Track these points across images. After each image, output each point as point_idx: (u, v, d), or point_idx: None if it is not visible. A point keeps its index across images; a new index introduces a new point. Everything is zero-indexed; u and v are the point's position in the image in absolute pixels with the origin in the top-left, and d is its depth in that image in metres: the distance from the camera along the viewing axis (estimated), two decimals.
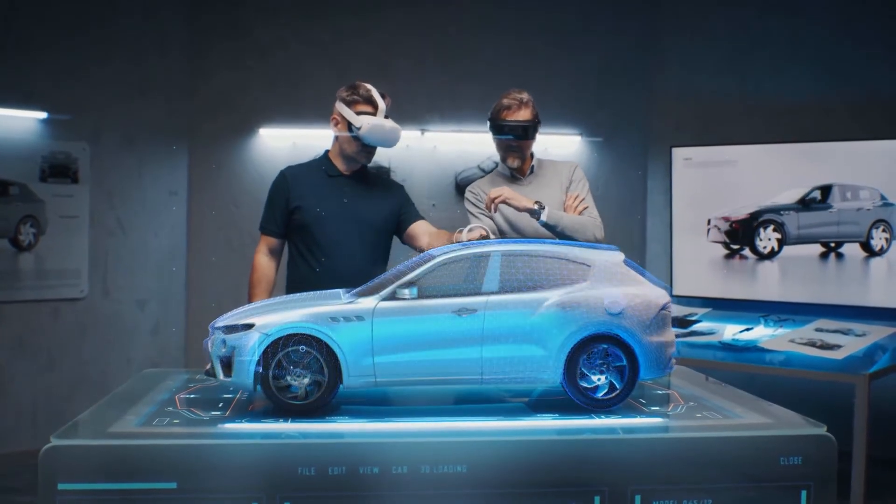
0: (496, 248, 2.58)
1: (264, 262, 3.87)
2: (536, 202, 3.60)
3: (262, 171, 6.37)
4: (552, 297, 2.51)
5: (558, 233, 3.62)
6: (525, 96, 3.86)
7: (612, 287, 2.57)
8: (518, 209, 3.64)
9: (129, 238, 6.48)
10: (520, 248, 2.61)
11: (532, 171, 3.93)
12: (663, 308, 2.60)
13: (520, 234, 3.77)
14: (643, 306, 2.56)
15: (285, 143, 6.62)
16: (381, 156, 6.62)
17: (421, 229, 3.88)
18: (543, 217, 3.59)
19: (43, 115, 5.98)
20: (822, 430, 2.38)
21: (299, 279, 3.77)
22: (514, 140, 3.82)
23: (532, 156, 3.95)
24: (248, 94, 6.71)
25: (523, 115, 3.81)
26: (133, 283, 6.50)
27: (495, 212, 3.69)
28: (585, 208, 3.80)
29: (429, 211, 6.74)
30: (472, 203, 3.94)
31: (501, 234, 3.83)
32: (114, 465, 2.20)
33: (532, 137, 3.85)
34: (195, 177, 6.75)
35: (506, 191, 3.62)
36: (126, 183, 6.44)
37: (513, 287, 2.52)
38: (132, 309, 6.51)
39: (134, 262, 6.49)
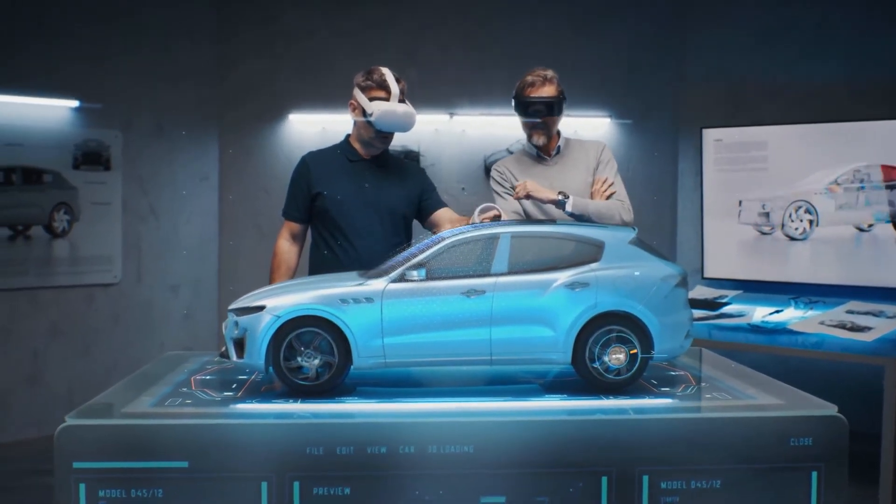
0: (505, 229, 2.57)
1: (285, 248, 3.89)
2: (560, 192, 3.59)
3: (293, 157, 6.36)
4: (561, 277, 2.51)
5: (585, 220, 3.59)
6: (549, 73, 3.80)
7: (624, 266, 2.56)
8: (542, 202, 3.64)
9: (162, 224, 6.57)
10: (529, 229, 2.61)
11: (558, 152, 3.88)
12: (677, 286, 2.59)
13: (547, 216, 3.75)
14: (656, 284, 2.54)
15: (315, 129, 6.65)
16: (411, 140, 6.67)
17: (444, 217, 3.86)
18: (568, 207, 3.57)
19: (75, 103, 6.06)
20: (833, 410, 2.35)
21: (321, 264, 3.78)
22: (539, 117, 3.79)
23: (559, 135, 3.92)
24: (276, 81, 6.76)
25: (547, 91, 3.77)
26: (165, 268, 6.60)
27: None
28: (613, 192, 3.76)
29: (458, 195, 6.76)
30: (498, 182, 3.92)
31: (528, 217, 3.81)
32: (127, 445, 2.26)
33: (557, 114, 3.78)
34: (226, 163, 6.82)
35: (529, 185, 3.61)
36: (157, 169, 6.52)
37: (522, 268, 2.52)
38: (165, 294, 6.60)
39: (166, 248, 6.59)
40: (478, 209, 3.03)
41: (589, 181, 3.80)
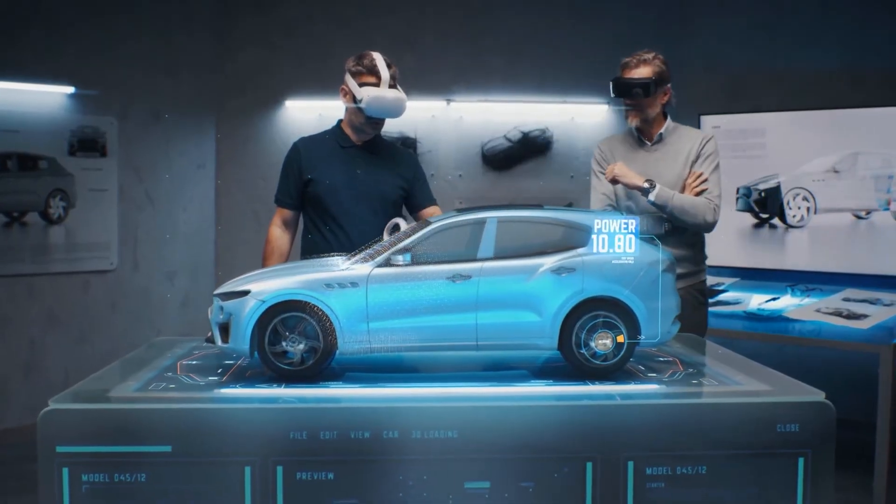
0: (493, 214, 2.55)
1: (277, 234, 3.89)
2: (647, 180, 3.55)
3: (289, 143, 6.38)
4: (548, 262, 2.49)
5: (668, 212, 3.55)
6: (650, 55, 3.77)
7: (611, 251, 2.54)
8: (628, 187, 3.62)
9: (158, 211, 6.56)
10: (516, 214, 2.58)
11: (660, 139, 3.82)
12: (664, 271, 2.56)
13: (636, 204, 3.71)
14: (643, 270, 2.52)
15: (311, 115, 6.63)
16: (408, 126, 6.65)
17: (431, 215, 3.82)
18: (651, 196, 3.54)
19: (71, 90, 6.05)
20: (820, 397, 2.33)
21: (313, 250, 3.77)
22: (627, 97, 3.75)
23: (666, 118, 3.84)
24: (274, 68, 6.74)
25: (641, 72, 3.73)
26: (162, 255, 6.60)
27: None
28: (704, 189, 3.67)
29: (456, 181, 6.75)
30: (597, 161, 3.89)
31: (618, 202, 3.78)
32: (110, 429, 2.24)
33: (649, 95, 3.72)
34: (222, 150, 6.80)
35: (617, 169, 3.61)
36: (154, 157, 6.51)
37: (509, 253, 2.50)
38: (161, 281, 6.60)
39: (163, 235, 6.58)
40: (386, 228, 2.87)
41: (683, 174, 3.72)
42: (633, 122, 3.79)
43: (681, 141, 3.79)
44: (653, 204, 3.54)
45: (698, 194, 3.64)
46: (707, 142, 3.76)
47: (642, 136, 3.83)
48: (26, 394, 5.96)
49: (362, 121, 3.73)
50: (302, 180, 3.80)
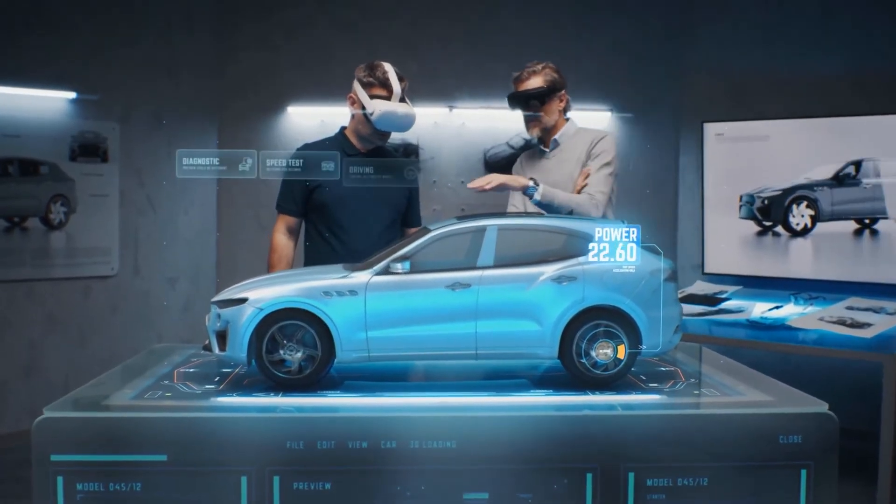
0: (493, 221, 2.53)
1: (283, 242, 3.85)
2: (531, 179, 3.44)
3: (291, 149, 6.38)
4: (548, 270, 2.47)
5: (554, 212, 3.47)
6: (539, 66, 3.74)
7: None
8: (514, 189, 3.50)
9: (159, 216, 6.54)
10: (517, 222, 2.57)
11: (556, 144, 3.77)
12: (666, 280, 2.54)
13: (535, 208, 3.65)
14: (644, 278, 2.50)
15: (313, 121, 6.62)
16: (410, 133, 6.58)
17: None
18: (536, 196, 3.41)
19: (72, 95, 6.03)
20: (823, 408, 2.31)
21: (317, 258, 3.74)
22: (522, 109, 3.73)
23: (568, 123, 3.79)
24: (276, 73, 6.73)
25: (532, 83, 3.71)
26: (163, 260, 6.57)
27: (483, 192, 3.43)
28: (585, 186, 3.57)
29: (458, 188, 6.73)
30: (513, 174, 3.84)
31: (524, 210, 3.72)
32: (105, 438, 2.23)
33: (543, 104, 3.70)
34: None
35: (495, 177, 3.41)
36: (155, 161, 6.48)
37: (509, 261, 2.48)
38: (163, 286, 6.58)
39: (164, 240, 6.56)
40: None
41: (576, 174, 3.65)
42: (534, 133, 3.76)
43: (577, 144, 3.72)
44: (538, 204, 3.42)
45: (581, 191, 3.56)
46: (599, 141, 3.66)
47: (543, 144, 3.79)
48: (25, 398, 5.94)
49: (370, 132, 3.70)
50: (307, 188, 3.76)
